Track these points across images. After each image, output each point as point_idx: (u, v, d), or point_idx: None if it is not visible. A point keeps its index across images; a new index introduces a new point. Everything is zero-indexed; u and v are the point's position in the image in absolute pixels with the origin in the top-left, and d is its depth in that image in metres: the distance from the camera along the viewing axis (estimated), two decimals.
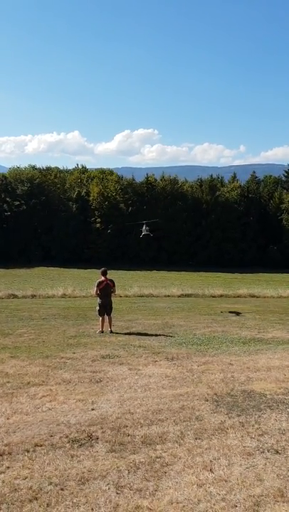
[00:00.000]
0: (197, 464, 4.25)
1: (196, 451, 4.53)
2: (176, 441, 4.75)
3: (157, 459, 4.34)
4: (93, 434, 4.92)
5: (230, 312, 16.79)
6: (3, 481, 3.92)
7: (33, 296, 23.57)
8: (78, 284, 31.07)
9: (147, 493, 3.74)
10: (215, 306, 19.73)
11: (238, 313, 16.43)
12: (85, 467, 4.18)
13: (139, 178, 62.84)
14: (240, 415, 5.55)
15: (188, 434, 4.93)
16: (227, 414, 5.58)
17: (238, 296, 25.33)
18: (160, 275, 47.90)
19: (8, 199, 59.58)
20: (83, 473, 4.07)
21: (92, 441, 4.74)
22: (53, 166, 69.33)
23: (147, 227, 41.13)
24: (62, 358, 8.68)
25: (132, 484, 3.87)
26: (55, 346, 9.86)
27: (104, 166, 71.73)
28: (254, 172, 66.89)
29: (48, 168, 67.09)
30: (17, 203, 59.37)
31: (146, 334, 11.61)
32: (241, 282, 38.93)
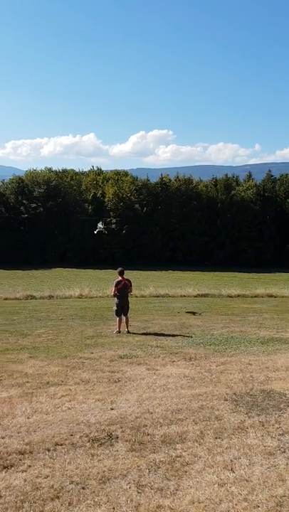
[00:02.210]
0: (218, 464, 4.23)
1: (216, 451, 4.51)
2: (196, 441, 4.73)
3: (177, 458, 4.33)
4: (113, 433, 4.93)
5: (187, 312, 16.54)
6: (25, 480, 3.95)
7: (51, 297, 23.74)
8: (94, 284, 31.19)
9: (168, 492, 3.74)
10: (232, 306, 19.61)
11: (194, 313, 16.21)
12: (105, 466, 4.19)
13: (154, 179, 62.86)
14: (259, 415, 5.50)
15: (208, 434, 4.91)
16: (247, 413, 5.54)
17: (255, 296, 25.08)
18: (176, 275, 47.76)
19: (25, 201, 60.19)
20: (104, 472, 4.08)
21: (112, 441, 4.75)
22: (68, 168, 69.82)
23: (103, 224, 40.81)
24: (81, 358, 8.73)
25: (152, 483, 3.87)
26: (73, 346, 9.93)
27: (119, 168, 71.85)
28: (270, 171, 66.24)
29: (64, 171, 67.54)
30: (34, 205, 59.94)
31: (163, 334, 11.60)
32: (258, 282, 38.54)
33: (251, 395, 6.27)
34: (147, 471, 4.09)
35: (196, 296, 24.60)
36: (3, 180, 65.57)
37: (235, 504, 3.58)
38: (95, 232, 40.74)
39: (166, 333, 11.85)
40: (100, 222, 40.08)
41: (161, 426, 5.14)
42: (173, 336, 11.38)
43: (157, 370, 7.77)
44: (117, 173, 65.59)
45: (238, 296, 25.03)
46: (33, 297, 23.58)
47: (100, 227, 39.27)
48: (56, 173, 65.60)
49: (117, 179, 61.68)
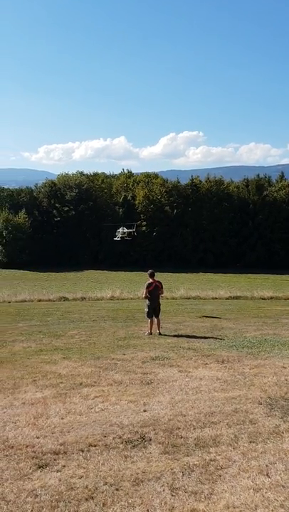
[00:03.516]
0: (253, 468, 4.15)
1: (251, 455, 4.43)
2: (230, 445, 4.67)
3: (211, 462, 4.28)
4: (146, 435, 4.92)
5: (204, 316, 16.08)
6: (59, 480, 4.00)
7: (83, 298, 24.08)
8: (126, 286, 31.40)
9: (202, 496, 3.69)
10: (265, 308, 19.31)
11: (218, 318, 15.72)
12: (138, 468, 4.19)
13: (184, 181, 62.68)
14: None
15: (242, 438, 4.84)
16: (282, 417, 5.43)
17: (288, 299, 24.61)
18: (207, 277, 47.44)
19: (57, 205, 61.24)
20: (137, 474, 4.08)
21: (145, 443, 4.74)
22: (99, 171, 70.64)
23: (125, 230, 39.93)
24: (113, 359, 8.78)
25: (186, 487, 3.84)
26: (105, 348, 9.99)
27: (150, 170, 72.37)
28: None
29: (95, 174, 68.34)
30: (66, 208, 60.89)
31: (194, 336, 11.51)
32: None
33: (286, 399, 6.14)
34: (181, 474, 4.06)
35: (227, 299, 24.36)
36: (37, 184, 67.02)
37: (272, 510, 3.50)
38: (116, 239, 40.46)
39: (197, 335, 11.76)
40: (121, 228, 39.88)
41: (194, 429, 5.10)
42: (205, 338, 11.29)
43: (190, 372, 7.72)
44: (147, 175, 65.80)
45: (271, 298, 24.61)
46: (66, 299, 23.98)
47: (123, 233, 39.08)
48: (87, 176, 66.48)
49: (148, 182, 61.84)
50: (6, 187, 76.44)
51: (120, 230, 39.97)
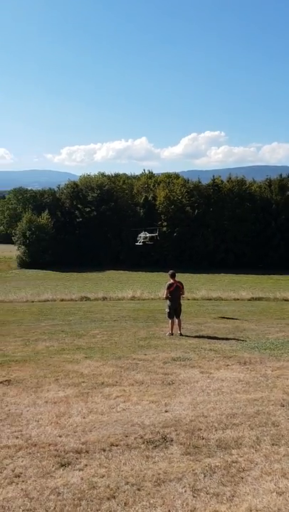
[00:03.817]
0: (275, 471, 4.11)
1: (273, 458, 4.38)
2: (253, 447, 4.63)
3: (233, 464, 4.25)
4: (167, 436, 4.92)
5: (225, 317, 15.83)
6: (81, 478, 4.03)
7: (104, 298, 24.23)
8: (146, 286, 31.42)
9: (224, 498, 3.67)
10: (288, 310, 19.03)
11: (240, 319, 15.36)
12: (160, 469, 4.19)
13: (206, 181, 62.31)
14: None
15: (264, 440, 4.79)
16: None
17: None
18: (228, 278, 47.03)
19: (79, 206, 61.77)
20: (159, 474, 4.08)
21: (167, 443, 4.74)
22: (121, 172, 71.02)
23: (147, 234, 39.36)
24: (134, 359, 8.80)
25: (208, 488, 3.82)
26: (126, 348, 10.03)
27: (171, 170, 72.22)
28: None
29: (117, 175, 68.72)
30: (88, 209, 61.36)
31: (216, 338, 11.45)
32: None
33: None
34: (202, 475, 4.05)
35: (249, 300, 24.12)
36: (59, 185, 67.78)
37: None
38: (137, 244, 40.30)
39: (219, 336, 11.69)
40: (143, 233, 39.73)
41: (216, 430, 5.07)
42: (226, 339, 11.22)
43: (211, 373, 7.68)
44: (168, 176, 65.74)
45: None
46: (87, 299, 24.18)
47: (145, 237, 38.95)
48: (109, 177, 66.89)
49: (168, 182, 61.75)
50: (29, 188, 77.65)
51: (142, 234, 39.92)
